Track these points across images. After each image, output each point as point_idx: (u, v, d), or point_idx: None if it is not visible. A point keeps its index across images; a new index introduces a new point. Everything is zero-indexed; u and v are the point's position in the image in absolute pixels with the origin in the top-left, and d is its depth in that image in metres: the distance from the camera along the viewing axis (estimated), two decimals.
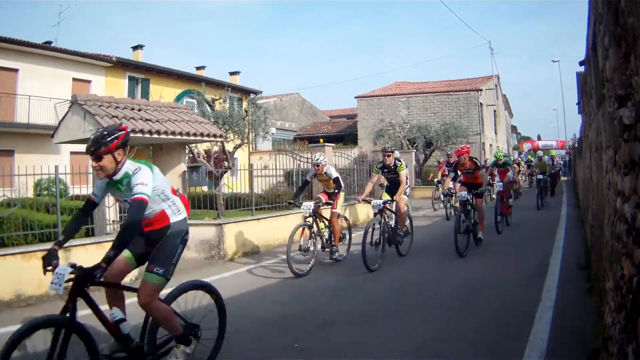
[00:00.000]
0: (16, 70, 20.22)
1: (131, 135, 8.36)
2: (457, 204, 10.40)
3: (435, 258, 8.66)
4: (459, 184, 9.53)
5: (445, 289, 6.55)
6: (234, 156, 19.33)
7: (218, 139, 11.13)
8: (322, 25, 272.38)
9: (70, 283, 3.20)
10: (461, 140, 28.92)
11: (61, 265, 3.21)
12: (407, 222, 9.16)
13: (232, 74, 34.39)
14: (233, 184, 15.41)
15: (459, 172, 9.52)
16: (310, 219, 8.02)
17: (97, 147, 3.40)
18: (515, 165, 18.92)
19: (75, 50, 22.34)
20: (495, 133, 39.02)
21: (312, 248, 7.98)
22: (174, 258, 3.73)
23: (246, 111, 18.68)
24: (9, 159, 18.31)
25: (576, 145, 24.65)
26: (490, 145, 35.36)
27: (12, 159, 18.66)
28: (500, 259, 8.37)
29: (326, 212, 8.55)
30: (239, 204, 12.17)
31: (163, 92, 22.78)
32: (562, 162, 29.35)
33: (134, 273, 5.78)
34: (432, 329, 4.93)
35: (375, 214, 8.35)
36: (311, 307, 5.93)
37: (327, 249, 8.41)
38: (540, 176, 17.62)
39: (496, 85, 39.35)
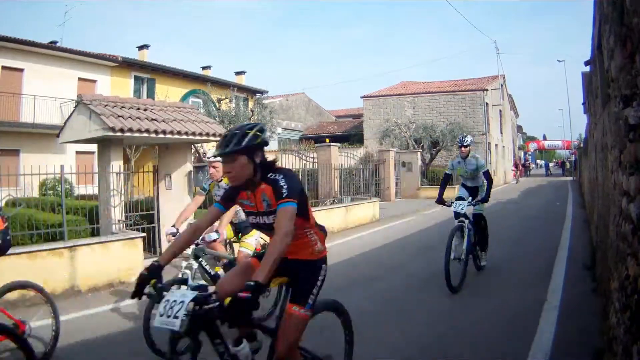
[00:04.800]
0: (21, 70, 20.30)
1: (137, 134, 8.44)
2: None
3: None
4: None
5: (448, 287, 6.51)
6: None
7: None
8: (329, 25, 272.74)
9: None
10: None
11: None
12: None
13: (237, 73, 34.38)
14: None
15: None
16: None
17: None
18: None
19: (81, 50, 22.41)
20: (501, 133, 38.89)
21: None
22: None
23: (252, 111, 18.77)
24: (14, 159, 18.36)
25: (582, 145, 24.52)
26: (496, 145, 35.27)
27: (17, 159, 18.71)
28: (506, 258, 8.34)
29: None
30: None
31: (169, 92, 22.82)
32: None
33: None
34: (436, 329, 4.92)
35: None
36: None
37: None
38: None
39: (502, 85, 39.23)
